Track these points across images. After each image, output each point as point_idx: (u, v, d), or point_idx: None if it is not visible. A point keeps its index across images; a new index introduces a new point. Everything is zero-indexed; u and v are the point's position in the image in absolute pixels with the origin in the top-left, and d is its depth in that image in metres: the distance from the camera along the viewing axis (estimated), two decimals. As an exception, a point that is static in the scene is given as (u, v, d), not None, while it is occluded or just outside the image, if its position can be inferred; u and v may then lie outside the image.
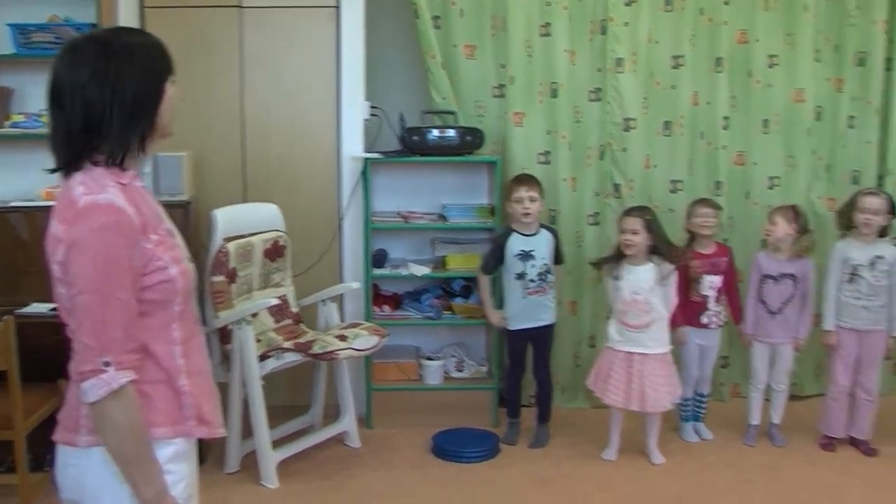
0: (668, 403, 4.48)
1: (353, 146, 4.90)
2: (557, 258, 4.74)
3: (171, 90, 1.95)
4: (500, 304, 4.75)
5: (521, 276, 4.59)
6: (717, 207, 4.79)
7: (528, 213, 4.55)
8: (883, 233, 4.62)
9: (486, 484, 4.28)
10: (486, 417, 4.96)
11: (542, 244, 4.62)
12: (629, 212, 4.54)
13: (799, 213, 4.69)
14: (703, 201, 4.82)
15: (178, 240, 2.03)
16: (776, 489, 4.31)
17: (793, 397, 5.35)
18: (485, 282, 4.72)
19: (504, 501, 4.13)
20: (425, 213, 5.02)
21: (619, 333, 4.47)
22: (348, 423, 4.68)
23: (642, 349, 4.42)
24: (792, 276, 4.67)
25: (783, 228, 4.63)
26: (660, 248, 4.42)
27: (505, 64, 4.99)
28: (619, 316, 4.48)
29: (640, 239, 4.40)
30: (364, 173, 4.77)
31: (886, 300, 4.61)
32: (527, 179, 4.62)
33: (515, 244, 4.59)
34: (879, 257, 4.57)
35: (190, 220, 4.40)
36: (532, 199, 4.54)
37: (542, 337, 4.72)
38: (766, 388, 4.84)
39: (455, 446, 4.57)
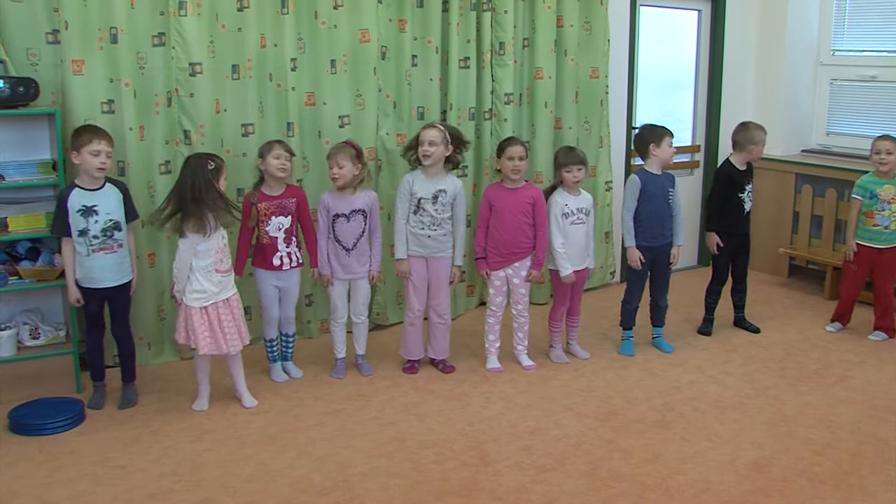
0: (239, 346, 4.51)
1: None
2: (129, 214, 4.56)
3: None
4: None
5: (83, 232, 4.39)
6: (290, 151, 4.83)
7: (102, 169, 4.36)
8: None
9: (72, 453, 4.10)
10: (68, 384, 4.72)
11: (107, 199, 4.44)
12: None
13: (357, 150, 4.84)
14: (279, 143, 4.81)
15: None
16: (363, 414, 4.54)
17: (378, 327, 5.66)
18: (66, 249, 4.43)
19: (93, 467, 3.97)
20: (-20, 173, 4.60)
21: (208, 281, 4.41)
22: None
23: (224, 294, 4.44)
24: (362, 212, 4.85)
25: (349, 169, 4.77)
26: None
27: (57, 8, 4.65)
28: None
29: None
30: None
31: (450, 229, 4.93)
32: (101, 133, 4.39)
33: (77, 199, 4.37)
34: (442, 191, 4.87)
35: None
36: (108, 155, 4.37)
37: (119, 295, 4.55)
38: (348, 321, 5.03)
39: (35, 419, 4.32)
